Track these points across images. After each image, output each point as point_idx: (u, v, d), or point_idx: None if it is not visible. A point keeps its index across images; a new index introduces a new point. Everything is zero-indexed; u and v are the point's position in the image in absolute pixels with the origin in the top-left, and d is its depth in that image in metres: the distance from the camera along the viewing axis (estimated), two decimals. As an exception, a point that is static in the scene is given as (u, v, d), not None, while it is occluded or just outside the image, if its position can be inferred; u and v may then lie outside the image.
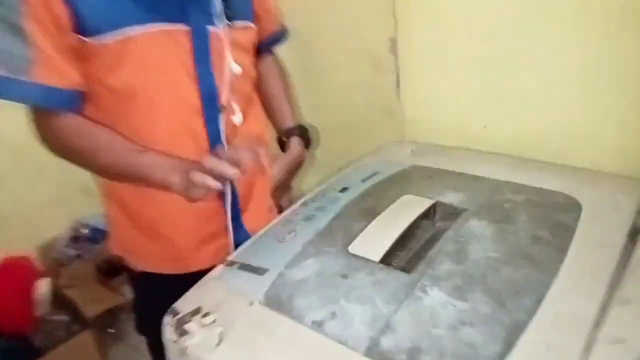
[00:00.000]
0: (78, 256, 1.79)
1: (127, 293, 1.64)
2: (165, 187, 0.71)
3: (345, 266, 0.67)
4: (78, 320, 1.56)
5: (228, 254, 0.87)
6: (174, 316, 0.67)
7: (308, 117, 1.33)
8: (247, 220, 0.89)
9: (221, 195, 0.83)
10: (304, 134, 1.00)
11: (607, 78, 0.81)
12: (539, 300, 0.57)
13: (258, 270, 0.71)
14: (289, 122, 1.00)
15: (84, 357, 1.54)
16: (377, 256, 0.67)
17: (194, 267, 0.87)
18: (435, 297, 0.59)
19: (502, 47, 0.91)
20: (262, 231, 0.82)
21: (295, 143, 0.98)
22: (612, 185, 0.77)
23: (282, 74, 1.03)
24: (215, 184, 0.65)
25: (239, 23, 0.81)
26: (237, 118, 0.84)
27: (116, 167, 0.74)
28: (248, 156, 0.65)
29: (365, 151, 1.27)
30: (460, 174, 0.88)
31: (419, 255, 0.68)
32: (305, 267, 0.69)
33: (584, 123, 0.86)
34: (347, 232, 0.74)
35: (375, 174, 0.92)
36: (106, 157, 0.73)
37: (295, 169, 1.00)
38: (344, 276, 0.65)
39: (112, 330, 1.72)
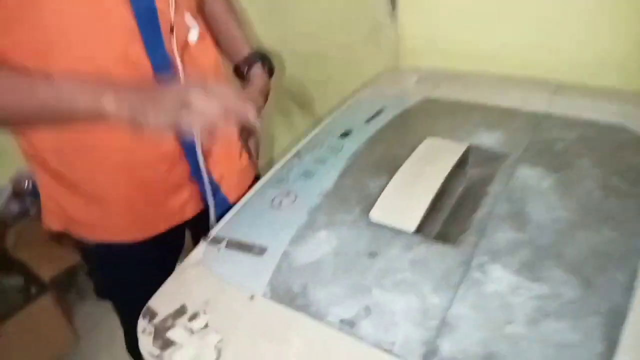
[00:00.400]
0: (23, 214, 1.59)
1: (86, 248, 1.49)
2: (97, 114, 0.53)
3: (371, 240, 0.51)
4: (34, 284, 1.40)
5: (199, 204, 0.74)
6: (150, 319, 0.51)
7: (277, 44, 1.11)
8: (214, 167, 0.73)
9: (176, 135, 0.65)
10: (265, 61, 0.82)
11: None
12: (633, 274, 0.44)
13: (253, 249, 0.55)
14: (245, 49, 0.81)
15: (47, 322, 1.41)
16: (410, 225, 0.52)
17: (157, 230, 0.73)
18: (499, 279, 0.45)
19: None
20: (249, 194, 0.65)
21: (257, 72, 0.80)
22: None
23: None
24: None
25: None
26: (194, 34, 0.65)
27: (21, 106, 0.55)
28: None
29: (350, 83, 1.08)
30: (487, 106, 0.72)
31: (462, 220, 0.53)
32: (317, 244, 0.53)
33: (627, 37, 0.70)
34: (362, 192, 0.58)
35: (380, 111, 0.75)
36: (9, 98, 0.54)
37: (261, 104, 0.82)
38: (372, 254, 0.50)
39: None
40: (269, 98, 0.82)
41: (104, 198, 0.68)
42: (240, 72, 0.81)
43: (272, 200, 0.61)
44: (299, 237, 0.54)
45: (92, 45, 0.57)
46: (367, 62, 1.02)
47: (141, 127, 0.52)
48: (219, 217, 0.66)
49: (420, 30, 0.89)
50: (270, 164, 0.71)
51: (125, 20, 0.58)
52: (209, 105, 0.51)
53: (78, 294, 1.58)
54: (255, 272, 0.52)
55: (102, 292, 0.90)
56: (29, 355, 1.36)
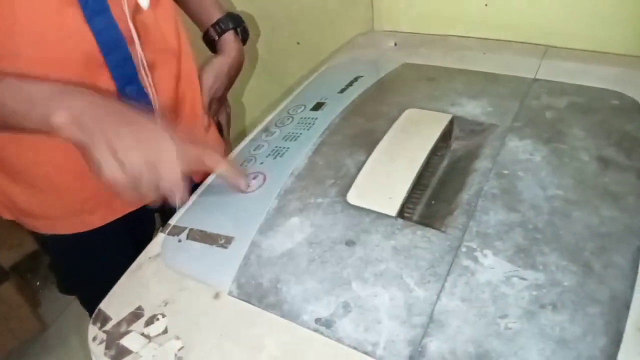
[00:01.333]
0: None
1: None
2: (48, 130, 0.45)
3: (349, 226, 0.46)
4: (-6, 271, 1.34)
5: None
6: (102, 325, 0.45)
7: (243, 5, 1.02)
8: None
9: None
10: (239, 25, 0.73)
11: None
12: (636, 256, 0.40)
13: (218, 240, 0.49)
14: (215, 13, 0.72)
15: (10, 310, 1.35)
16: (392, 207, 0.47)
17: (115, 215, 0.67)
18: (491, 267, 0.41)
19: None
20: (211, 176, 0.58)
21: (230, 41, 0.72)
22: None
23: None
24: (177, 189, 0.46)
25: None
26: (145, 1, 0.56)
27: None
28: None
29: (323, 47, 1.01)
30: (470, 72, 0.66)
31: (448, 200, 0.48)
32: (289, 232, 0.47)
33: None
34: (338, 171, 0.52)
35: (356, 79, 0.69)
36: None
37: (234, 73, 0.75)
38: (350, 243, 0.45)
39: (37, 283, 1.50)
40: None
41: (51, 184, 0.61)
42: (211, 39, 0.72)
43: (239, 182, 0.55)
44: (269, 225, 0.48)
45: (24, 8, 0.48)
46: (341, 24, 0.95)
47: (92, 162, 0.44)
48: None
49: (396, -11, 0.82)
50: (242, 136, 0.65)
51: None
52: (176, 170, 0.45)
53: (43, 280, 1.51)
54: (221, 266, 0.46)
55: (66, 288, 0.83)
56: (-7, 345, 1.30)
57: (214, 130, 0.77)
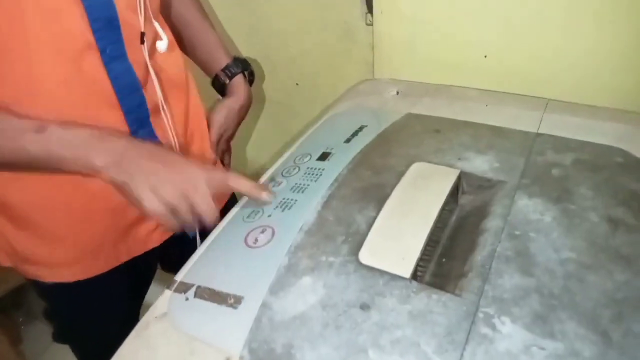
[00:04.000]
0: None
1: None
2: (89, 172, 0.50)
3: (363, 288, 0.46)
4: (-24, 306, 1.30)
5: (168, 232, 0.70)
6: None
7: (246, 49, 1.03)
8: None
9: None
10: (246, 69, 0.76)
11: None
12: (652, 325, 0.40)
13: (228, 299, 0.48)
14: (223, 58, 0.74)
15: None
16: (406, 269, 0.46)
17: (117, 262, 0.67)
18: (510, 335, 0.40)
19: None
20: (218, 229, 0.58)
21: (239, 83, 0.74)
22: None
23: None
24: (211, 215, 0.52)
25: None
26: (164, 43, 0.60)
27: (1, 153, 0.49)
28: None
29: (323, 91, 1.02)
30: (474, 124, 0.67)
31: (460, 260, 0.48)
32: (301, 292, 0.46)
33: (622, 50, 0.67)
34: (349, 228, 0.52)
35: (360, 129, 0.69)
36: (16, 153, 0.49)
37: (243, 114, 0.77)
38: (365, 307, 0.44)
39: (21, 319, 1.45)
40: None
41: (56, 229, 0.61)
42: (221, 82, 0.75)
43: (246, 236, 0.54)
44: (280, 284, 0.47)
45: (43, 53, 0.49)
46: (341, 69, 0.96)
47: (133, 198, 0.49)
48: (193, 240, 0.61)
49: (398, 38, 0.83)
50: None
51: (77, 25, 0.50)
52: (206, 195, 0.51)
53: (26, 316, 1.46)
54: (231, 328, 0.45)
55: (64, 337, 0.80)
56: (-29, 383, 1.25)
57: (220, 167, 0.78)
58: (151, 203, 0.49)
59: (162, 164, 0.51)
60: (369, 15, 0.87)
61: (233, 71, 0.74)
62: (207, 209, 0.51)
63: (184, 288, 0.51)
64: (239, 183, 0.55)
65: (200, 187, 0.51)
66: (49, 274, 0.64)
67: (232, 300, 0.47)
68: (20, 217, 0.59)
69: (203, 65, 0.76)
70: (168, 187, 0.49)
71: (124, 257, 0.67)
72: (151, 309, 0.50)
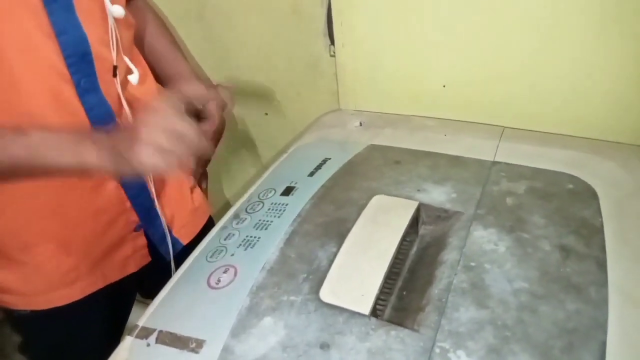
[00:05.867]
0: None
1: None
2: (82, 172, 0.50)
3: (323, 327, 0.46)
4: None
5: (145, 257, 0.72)
6: None
7: (214, 78, 1.04)
8: (165, 208, 0.70)
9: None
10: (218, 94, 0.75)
11: (612, 15, 0.63)
12: (602, 352, 0.41)
13: (189, 344, 0.47)
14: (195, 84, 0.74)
15: None
16: (365, 306, 0.47)
17: (99, 285, 0.68)
18: (465, 370, 0.41)
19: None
20: (181, 269, 0.57)
21: (213, 108, 0.73)
22: (623, 160, 0.64)
23: (162, 22, 0.77)
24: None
25: None
26: (135, 77, 0.62)
27: None
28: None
29: (288, 124, 1.03)
30: (433, 154, 0.69)
31: (417, 292, 0.49)
32: (262, 334, 0.46)
33: (573, 79, 0.69)
34: (311, 265, 0.53)
35: (324, 161, 0.70)
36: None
37: (218, 138, 0.78)
38: (325, 346, 0.44)
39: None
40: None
41: (32, 256, 0.61)
42: (194, 108, 0.74)
43: (209, 277, 0.54)
44: (242, 326, 0.48)
45: (26, 83, 0.52)
46: (309, 99, 0.97)
47: (130, 173, 0.49)
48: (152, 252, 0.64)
49: (359, 70, 0.85)
50: (223, 211, 0.65)
51: (52, 59, 0.52)
52: (196, 132, 0.48)
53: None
54: (192, 375, 0.45)
55: None
56: None
57: (198, 192, 0.78)
58: (150, 159, 0.47)
59: (145, 126, 0.48)
60: (332, 47, 0.89)
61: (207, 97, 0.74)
62: (201, 143, 0.49)
63: (145, 334, 0.50)
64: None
65: (188, 126, 0.48)
66: (23, 302, 0.64)
67: (193, 345, 0.47)
68: None
69: None
70: (159, 136, 0.47)
71: (101, 284, 0.68)
72: (112, 356, 0.49)
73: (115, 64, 0.58)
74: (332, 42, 0.88)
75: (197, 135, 0.48)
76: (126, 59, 0.61)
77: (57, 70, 0.53)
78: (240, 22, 0.95)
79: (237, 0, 0.92)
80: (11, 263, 0.61)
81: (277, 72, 0.99)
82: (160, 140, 0.47)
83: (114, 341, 0.75)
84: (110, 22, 0.56)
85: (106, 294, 0.69)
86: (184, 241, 0.74)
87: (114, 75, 0.58)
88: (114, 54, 0.57)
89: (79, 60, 0.54)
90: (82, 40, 0.54)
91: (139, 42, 0.72)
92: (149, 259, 0.72)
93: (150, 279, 0.70)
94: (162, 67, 0.75)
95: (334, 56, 0.89)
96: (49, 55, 0.52)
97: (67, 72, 0.54)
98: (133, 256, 0.70)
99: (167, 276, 0.57)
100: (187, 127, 0.48)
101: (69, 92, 0.55)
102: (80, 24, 0.53)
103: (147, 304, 0.54)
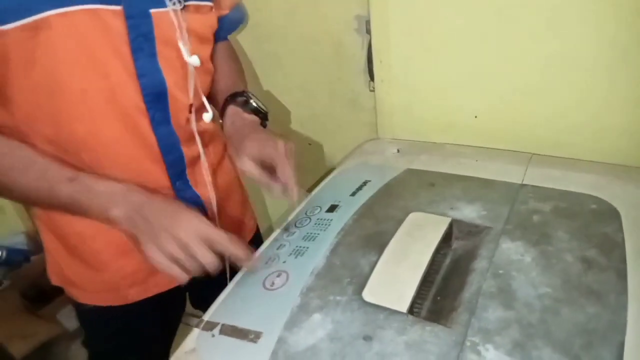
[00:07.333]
0: (-4, 284, 1.55)
1: (64, 321, 1.43)
2: (106, 221, 0.59)
3: (365, 322, 0.52)
4: (4, 361, 1.34)
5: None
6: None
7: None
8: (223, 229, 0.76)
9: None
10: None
11: (631, 46, 0.68)
12: (620, 350, 0.46)
13: (249, 335, 0.55)
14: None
15: None
16: (403, 304, 0.53)
17: (151, 292, 0.76)
18: (493, 361, 0.46)
19: (493, 21, 0.77)
20: (240, 274, 0.65)
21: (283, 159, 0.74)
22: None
23: (239, 69, 0.86)
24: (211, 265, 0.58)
25: (193, 2, 0.65)
26: (209, 116, 0.71)
27: (37, 194, 0.59)
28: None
29: (331, 153, 1.12)
30: (466, 177, 0.75)
31: (451, 297, 0.55)
32: (312, 327, 0.53)
33: (596, 109, 0.75)
34: (354, 271, 0.59)
35: (364, 183, 0.78)
36: (21, 181, 0.58)
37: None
38: (367, 338, 0.51)
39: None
40: None
41: (98, 259, 0.71)
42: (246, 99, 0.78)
43: (264, 280, 0.62)
44: (293, 321, 0.54)
45: (103, 116, 0.61)
46: (348, 131, 1.06)
47: (140, 247, 0.57)
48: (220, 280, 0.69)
49: (397, 102, 0.94)
50: (270, 231, 0.73)
51: (132, 96, 0.62)
52: (206, 252, 0.57)
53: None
54: (251, 360, 0.52)
55: None
56: None
57: (248, 206, 0.89)
58: (155, 257, 0.56)
59: (170, 220, 0.57)
60: (371, 82, 0.98)
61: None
62: (208, 262, 0.57)
63: (210, 326, 0.58)
64: (228, 247, 0.59)
65: (200, 245, 0.56)
66: (86, 297, 0.75)
67: (252, 336, 0.54)
68: (71, 245, 0.70)
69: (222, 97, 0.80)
70: (170, 245, 0.55)
71: (153, 291, 0.76)
72: (181, 346, 0.57)
73: (191, 102, 0.67)
74: (372, 78, 0.97)
75: (209, 263, 0.56)
76: (204, 99, 0.70)
77: (136, 104, 0.62)
78: (289, 63, 1.06)
79: (287, 44, 1.03)
80: (81, 263, 0.71)
81: (320, 107, 1.09)
82: (172, 252, 0.55)
83: (164, 348, 0.83)
84: (190, 69, 0.65)
85: (159, 301, 0.77)
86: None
87: (189, 112, 0.68)
88: (190, 95, 0.66)
89: (155, 99, 0.63)
90: (161, 84, 0.63)
91: (215, 84, 0.80)
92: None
93: (202, 292, 0.78)
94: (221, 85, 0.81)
95: (373, 91, 0.98)
96: (129, 92, 0.61)
97: (144, 106, 0.63)
98: None
99: (217, 290, 0.63)
100: (204, 258, 0.56)
101: (144, 123, 0.64)
102: (160, 69, 0.62)
103: (197, 316, 0.62)
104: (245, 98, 0.75)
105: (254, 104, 0.75)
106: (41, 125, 0.59)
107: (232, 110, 0.74)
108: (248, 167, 0.65)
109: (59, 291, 0.77)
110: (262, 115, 0.76)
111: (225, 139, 0.78)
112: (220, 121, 0.77)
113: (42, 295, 1.45)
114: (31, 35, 0.52)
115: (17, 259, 1.61)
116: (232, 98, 0.75)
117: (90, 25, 0.55)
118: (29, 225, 1.80)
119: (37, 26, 0.52)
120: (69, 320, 1.43)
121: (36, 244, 1.70)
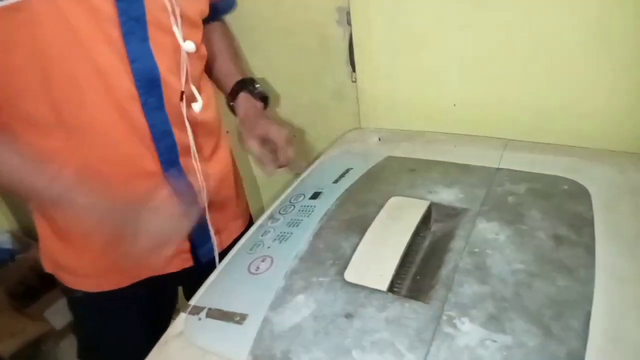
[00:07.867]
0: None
1: (52, 319, 1.42)
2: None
3: (348, 301, 0.54)
4: (-10, 361, 1.34)
5: (187, 261, 0.80)
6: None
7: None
8: (212, 222, 0.78)
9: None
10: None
11: (609, 33, 0.70)
12: (587, 319, 0.48)
13: (235, 317, 0.56)
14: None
15: None
16: (383, 283, 0.55)
17: (138, 278, 0.77)
18: (468, 332, 0.48)
19: (472, 10, 0.79)
20: (225, 260, 0.67)
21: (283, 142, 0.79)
22: (615, 165, 0.71)
23: (232, 35, 0.89)
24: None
25: None
26: (198, 105, 0.71)
27: (18, 188, 0.60)
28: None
29: (316, 142, 1.14)
30: (445, 163, 0.77)
31: (430, 276, 0.57)
32: (296, 308, 0.55)
33: (573, 95, 0.78)
34: (336, 253, 0.61)
35: (347, 171, 0.79)
36: (26, 182, 0.59)
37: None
38: (349, 315, 0.53)
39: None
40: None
41: (87, 243, 0.72)
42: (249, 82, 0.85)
43: (249, 265, 0.63)
44: (278, 302, 0.56)
45: (95, 102, 0.61)
46: (333, 121, 1.08)
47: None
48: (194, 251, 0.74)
49: (378, 93, 0.95)
50: (260, 212, 0.75)
51: (124, 82, 0.61)
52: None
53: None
54: (238, 341, 0.53)
55: (85, 351, 0.88)
56: None
57: (242, 199, 0.93)
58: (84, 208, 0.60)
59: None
60: (353, 74, 1.00)
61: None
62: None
63: (196, 310, 0.59)
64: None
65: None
66: (77, 282, 0.75)
67: (238, 318, 0.56)
68: (60, 229, 0.71)
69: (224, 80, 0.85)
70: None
71: (144, 274, 0.77)
72: (169, 329, 0.58)
73: (182, 89, 0.67)
74: (354, 69, 0.99)
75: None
76: (193, 88, 0.69)
77: (128, 90, 0.61)
78: (274, 54, 1.07)
79: (271, 35, 1.05)
80: (70, 245, 0.72)
81: (305, 97, 1.10)
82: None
83: (153, 340, 0.84)
84: (183, 55, 0.65)
85: (149, 289, 0.78)
86: (224, 245, 0.83)
87: (181, 99, 0.67)
88: (182, 80, 0.66)
89: (148, 84, 0.62)
90: (153, 69, 0.62)
91: (210, 66, 0.83)
92: (191, 263, 0.80)
93: (193, 284, 0.79)
94: (215, 67, 0.85)
95: (355, 82, 1.00)
96: (121, 78, 0.61)
97: (137, 93, 0.62)
98: (176, 257, 0.78)
99: None
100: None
101: (136, 109, 0.63)
102: (152, 54, 0.61)
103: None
104: (253, 85, 0.83)
105: (261, 90, 0.84)
106: (30, 106, 0.59)
107: (243, 96, 0.82)
108: (253, 145, 0.75)
109: (45, 289, 0.79)
110: (266, 101, 0.85)
111: (220, 127, 0.80)
112: (232, 103, 0.83)
113: (29, 293, 1.45)
114: (11, 17, 0.51)
115: (2, 257, 1.60)
116: (242, 84, 0.82)
117: (77, 9, 0.55)
118: (14, 224, 1.79)
119: (18, 8, 0.51)
120: (56, 318, 1.43)
121: (22, 243, 1.69)
